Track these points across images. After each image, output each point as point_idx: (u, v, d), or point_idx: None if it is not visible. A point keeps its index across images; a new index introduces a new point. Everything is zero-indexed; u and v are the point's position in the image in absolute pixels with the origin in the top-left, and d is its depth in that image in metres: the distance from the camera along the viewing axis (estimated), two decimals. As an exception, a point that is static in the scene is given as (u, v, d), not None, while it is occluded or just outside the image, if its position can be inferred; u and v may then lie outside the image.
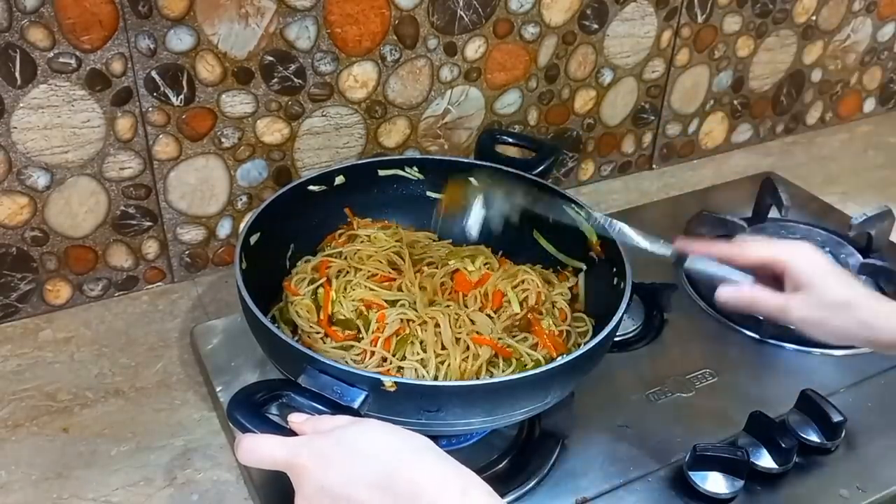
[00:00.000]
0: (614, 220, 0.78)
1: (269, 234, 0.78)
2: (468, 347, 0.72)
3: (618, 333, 0.80)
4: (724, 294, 0.70)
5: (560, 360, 0.65)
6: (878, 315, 0.66)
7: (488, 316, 0.76)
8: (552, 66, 1.05)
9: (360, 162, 0.89)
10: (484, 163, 0.89)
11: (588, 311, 0.81)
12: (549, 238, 0.87)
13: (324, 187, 0.85)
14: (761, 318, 0.89)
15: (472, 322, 0.74)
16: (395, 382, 0.61)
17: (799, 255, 0.70)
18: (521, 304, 0.78)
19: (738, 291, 0.70)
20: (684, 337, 0.91)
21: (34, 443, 0.76)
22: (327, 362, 0.61)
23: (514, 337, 0.75)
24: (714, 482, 0.72)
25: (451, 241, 0.88)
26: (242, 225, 0.76)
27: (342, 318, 0.75)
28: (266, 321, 0.65)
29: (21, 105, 0.79)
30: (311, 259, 0.83)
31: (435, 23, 0.94)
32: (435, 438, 0.68)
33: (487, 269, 0.82)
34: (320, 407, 0.59)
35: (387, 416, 0.63)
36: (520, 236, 0.88)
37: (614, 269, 0.77)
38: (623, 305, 0.70)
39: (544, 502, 0.72)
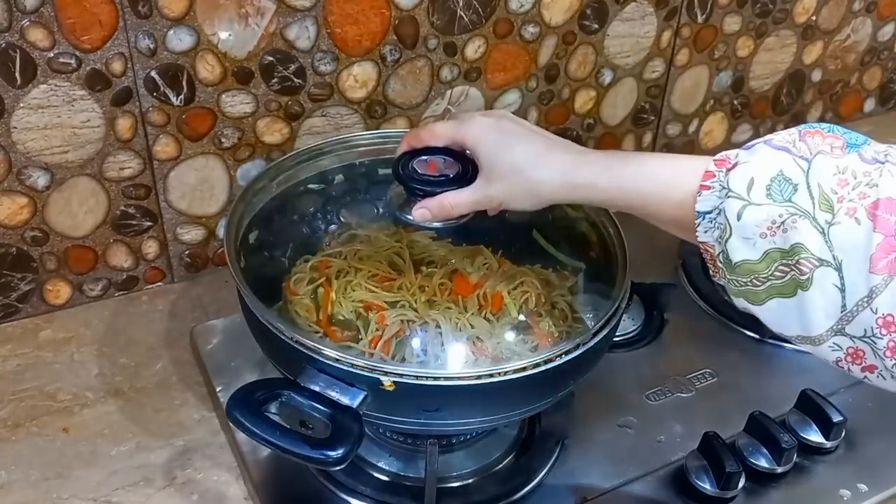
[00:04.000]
0: None
1: (268, 233, 0.78)
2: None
3: (618, 333, 0.80)
4: (418, 212, 0.68)
5: (559, 361, 0.65)
6: (540, 182, 0.64)
7: (487, 320, 0.76)
8: (552, 66, 1.05)
9: (360, 161, 0.88)
10: None
11: (588, 312, 0.81)
12: (548, 238, 0.87)
13: (323, 186, 0.85)
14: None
15: (472, 326, 0.74)
16: (394, 382, 0.61)
17: (474, 131, 0.67)
18: (520, 307, 0.78)
19: (430, 202, 0.68)
20: (684, 337, 0.91)
21: (34, 443, 0.76)
22: (326, 361, 0.61)
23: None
24: (714, 482, 0.72)
25: (450, 240, 0.88)
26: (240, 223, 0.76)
27: (341, 318, 0.75)
28: (264, 319, 0.65)
29: (21, 105, 0.79)
30: (311, 258, 0.83)
31: (435, 23, 0.94)
32: (435, 437, 0.69)
33: (487, 269, 0.81)
34: (319, 406, 0.59)
35: (386, 415, 0.64)
36: (519, 236, 0.88)
37: (614, 269, 0.77)
38: (622, 305, 0.70)
39: (544, 502, 0.72)
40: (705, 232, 0.56)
